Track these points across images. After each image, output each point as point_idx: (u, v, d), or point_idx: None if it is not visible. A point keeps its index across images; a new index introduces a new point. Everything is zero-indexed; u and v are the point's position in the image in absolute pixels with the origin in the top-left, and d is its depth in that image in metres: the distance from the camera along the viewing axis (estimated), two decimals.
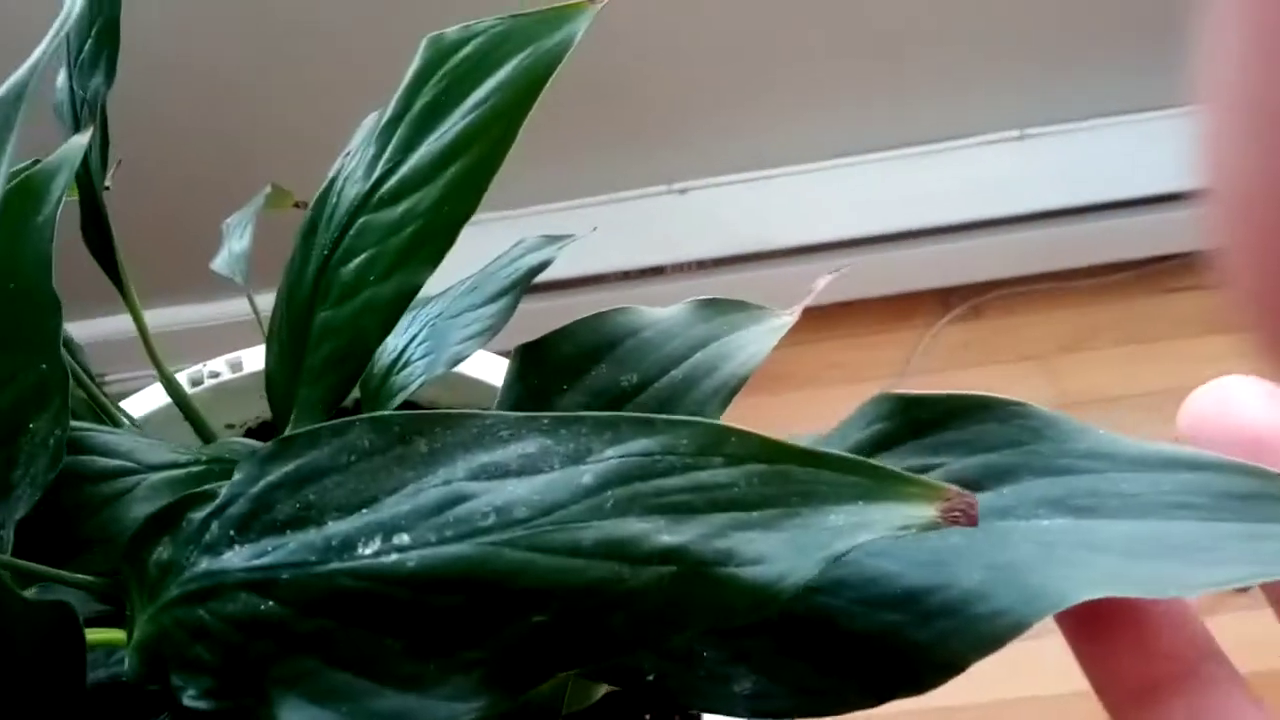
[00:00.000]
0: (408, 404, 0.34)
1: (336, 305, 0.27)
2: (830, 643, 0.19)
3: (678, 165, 1.09)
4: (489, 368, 0.42)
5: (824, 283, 0.24)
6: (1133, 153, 1.03)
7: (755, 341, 0.24)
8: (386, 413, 0.18)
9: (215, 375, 0.46)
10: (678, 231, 1.11)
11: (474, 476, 0.18)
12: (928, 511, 0.16)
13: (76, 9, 0.31)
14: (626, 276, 1.11)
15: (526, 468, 0.18)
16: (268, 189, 0.46)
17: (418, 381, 0.34)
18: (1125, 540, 0.17)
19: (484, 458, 0.18)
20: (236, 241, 0.44)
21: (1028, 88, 1.03)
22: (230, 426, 0.45)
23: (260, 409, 0.47)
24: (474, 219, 0.25)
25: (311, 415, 0.29)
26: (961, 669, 0.18)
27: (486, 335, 0.35)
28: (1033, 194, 1.06)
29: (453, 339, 0.35)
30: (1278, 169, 0.14)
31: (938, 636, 0.18)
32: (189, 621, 0.19)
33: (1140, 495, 0.18)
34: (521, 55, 0.25)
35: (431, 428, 0.18)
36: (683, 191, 1.12)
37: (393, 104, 0.26)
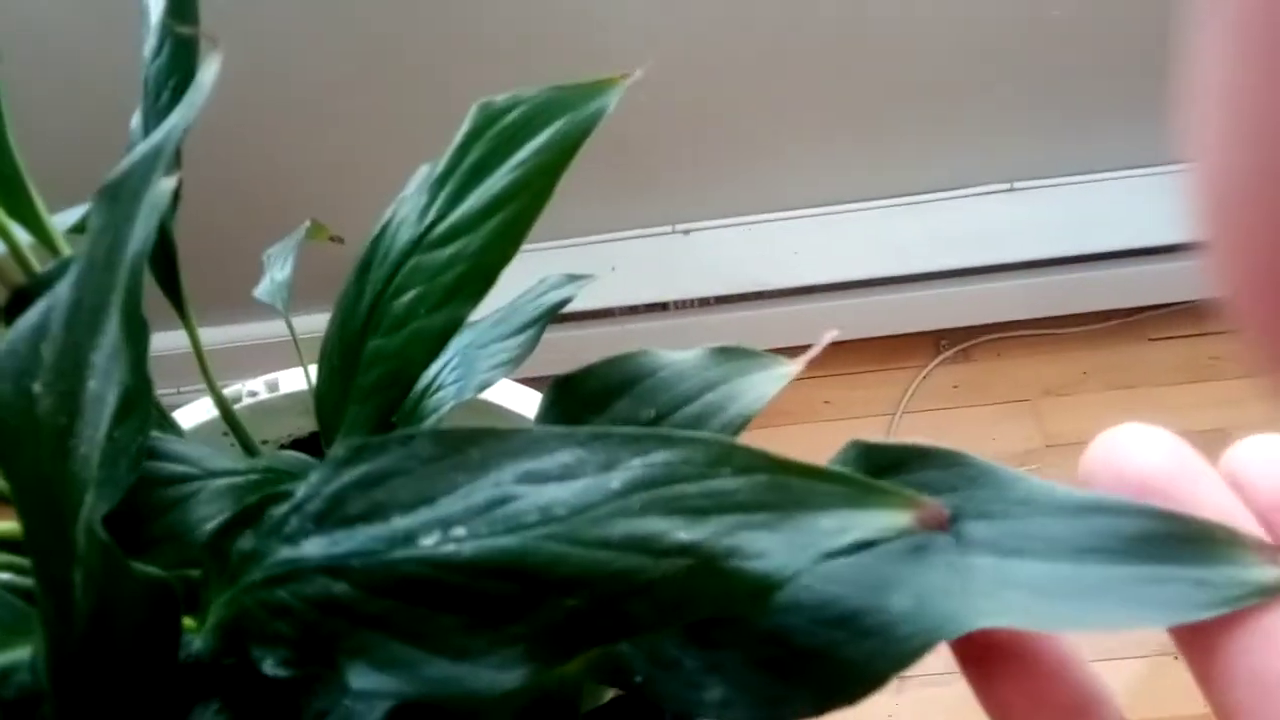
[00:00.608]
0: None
1: (387, 335, 0.30)
2: (788, 656, 0.22)
3: (682, 208, 1.13)
4: (511, 395, 0.46)
5: (829, 338, 0.28)
6: (1118, 207, 1.07)
7: (761, 386, 0.28)
8: (446, 427, 0.21)
9: (254, 394, 0.49)
10: (681, 270, 1.14)
11: (520, 481, 0.21)
12: (905, 518, 0.20)
13: (160, 60, 0.35)
14: (632, 311, 1.15)
15: (565, 474, 0.21)
16: (307, 223, 0.50)
17: (449, 405, 0.38)
18: (1039, 579, 0.20)
19: (528, 465, 0.21)
20: (278, 271, 0.47)
21: (1018, 143, 1.07)
22: (265, 442, 0.48)
23: (293, 427, 0.51)
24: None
25: (358, 431, 0.33)
26: (882, 684, 0.20)
27: (512, 365, 0.38)
28: (1021, 243, 1.10)
29: (481, 367, 0.38)
30: (1272, 172, 0.14)
31: (865, 654, 0.20)
32: (271, 601, 0.22)
33: (1059, 539, 0.20)
34: (560, 122, 0.29)
35: (484, 439, 0.22)
36: (686, 233, 1.16)
37: (445, 159, 0.30)
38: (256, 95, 0.91)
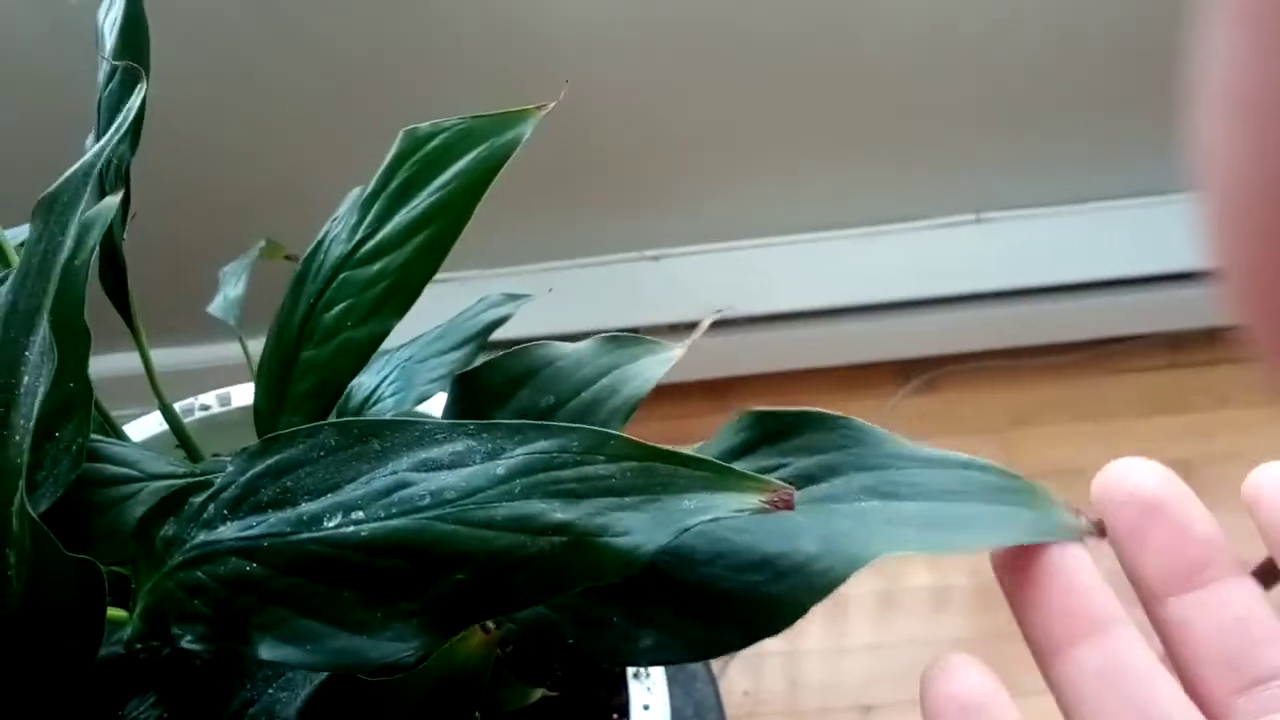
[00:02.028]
0: None
1: (318, 345, 0.32)
2: (712, 602, 0.24)
3: (651, 234, 1.16)
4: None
5: (708, 321, 0.30)
6: (1084, 239, 1.09)
7: (650, 369, 0.30)
8: (349, 418, 0.23)
9: (206, 408, 0.51)
10: (649, 296, 1.16)
11: (415, 468, 0.23)
12: (756, 499, 0.22)
13: (112, 86, 0.37)
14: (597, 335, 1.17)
15: (455, 462, 0.23)
16: (262, 242, 0.52)
17: (387, 416, 0.39)
18: (919, 516, 0.23)
19: (423, 454, 0.23)
20: (232, 288, 0.49)
21: (984, 174, 1.10)
22: (216, 455, 0.50)
23: (246, 440, 0.52)
24: (462, 275, 0.30)
25: None
26: (804, 612, 0.23)
27: (449, 379, 0.40)
28: (988, 274, 1.12)
29: (419, 381, 0.40)
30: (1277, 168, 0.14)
31: (788, 590, 0.23)
32: (189, 582, 0.24)
33: (930, 485, 0.24)
34: (480, 148, 0.31)
35: (383, 430, 0.24)
36: (655, 259, 1.18)
37: (373, 181, 0.32)
38: (216, 113, 0.93)
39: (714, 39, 0.94)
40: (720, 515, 0.21)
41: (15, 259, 0.33)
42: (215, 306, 0.48)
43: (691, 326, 1.12)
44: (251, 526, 0.24)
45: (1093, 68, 0.97)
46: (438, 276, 0.31)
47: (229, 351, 0.99)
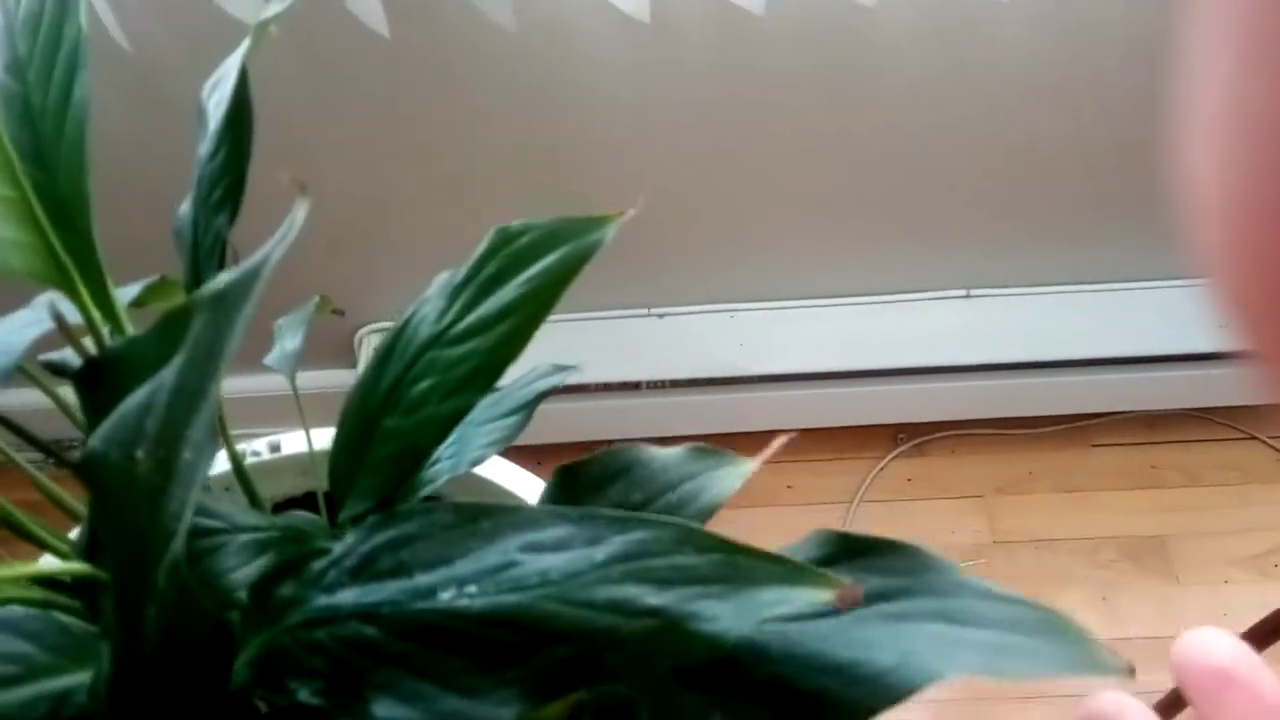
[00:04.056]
0: (430, 496, 0.42)
1: (403, 416, 0.35)
2: (783, 696, 0.27)
3: (658, 292, 1.20)
4: (499, 470, 0.50)
5: (783, 441, 0.33)
6: (1068, 319, 1.14)
7: (726, 480, 0.33)
8: (462, 500, 0.26)
9: (257, 454, 0.54)
10: (654, 352, 1.20)
11: (523, 549, 0.26)
12: (827, 594, 0.25)
13: (215, 162, 0.40)
14: (606, 389, 1.20)
15: (558, 545, 0.26)
16: (316, 299, 0.55)
17: (444, 479, 0.42)
18: (982, 643, 0.27)
19: (530, 536, 0.26)
20: (289, 341, 0.52)
21: (976, 253, 1.14)
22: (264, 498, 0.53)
23: (290, 486, 0.55)
24: None
25: (368, 497, 0.37)
26: (873, 715, 0.26)
27: (502, 443, 0.43)
28: (976, 347, 1.16)
29: (475, 445, 0.43)
30: (1270, 183, 0.14)
31: (860, 694, 0.26)
32: (308, 640, 0.27)
33: (990, 616, 0.27)
34: (565, 248, 0.34)
35: (494, 513, 0.27)
36: (661, 316, 1.22)
37: (464, 270, 0.35)
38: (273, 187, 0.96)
39: (726, 122, 0.98)
40: (796, 608, 0.25)
41: (125, 320, 0.36)
42: (272, 359, 0.51)
43: (693, 383, 1.15)
44: (370, 594, 0.27)
45: (1081, 162, 1.02)
46: None
47: (252, 384, 1.01)
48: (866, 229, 1.12)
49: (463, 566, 0.26)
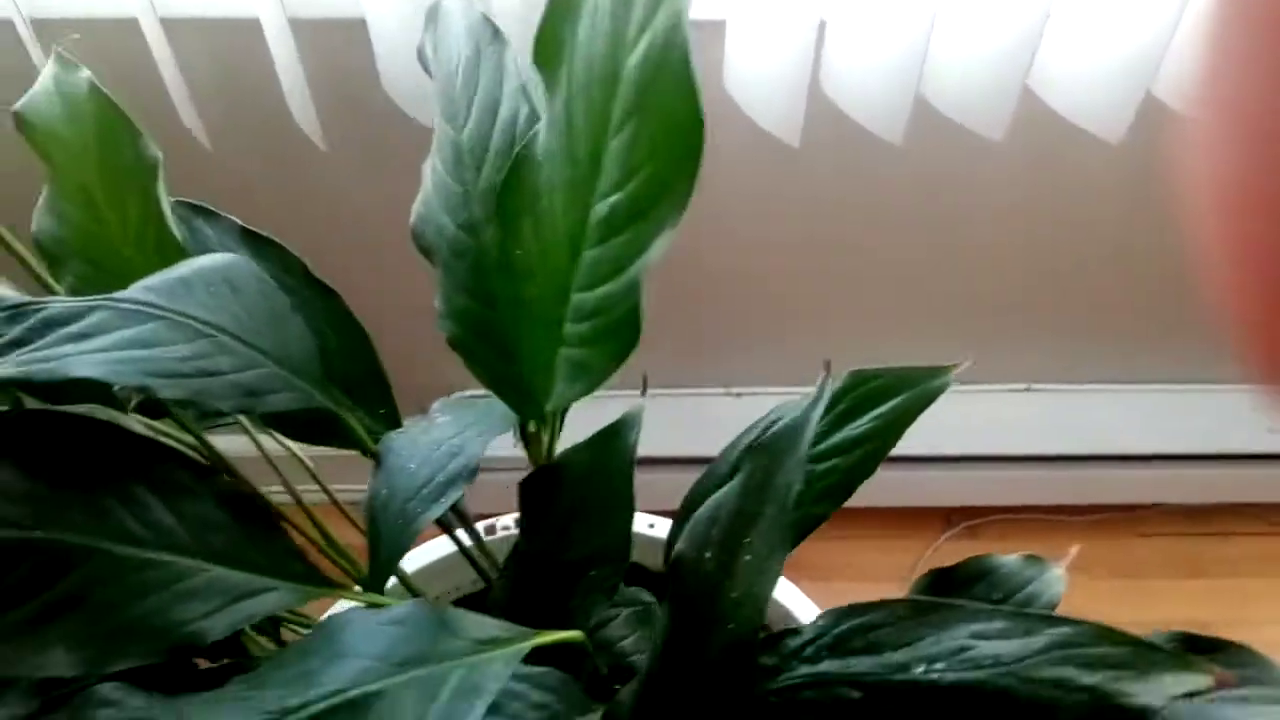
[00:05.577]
0: None
1: None
2: None
3: (735, 372, 1.29)
4: None
5: (1074, 551, 0.42)
6: (1120, 414, 1.24)
7: (1058, 584, 0.42)
8: (915, 597, 0.35)
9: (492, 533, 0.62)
10: (729, 430, 1.28)
11: (972, 636, 0.34)
12: (1208, 680, 0.33)
13: None
14: (677, 462, 1.28)
15: (1001, 634, 0.34)
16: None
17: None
18: None
19: (975, 627, 0.35)
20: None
21: (1039, 350, 1.25)
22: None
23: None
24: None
25: None
26: None
27: None
28: (1032, 438, 1.26)
29: None
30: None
31: None
32: (796, 700, 0.35)
33: None
34: (912, 391, 0.43)
35: (942, 608, 0.35)
36: (738, 395, 1.31)
37: (819, 405, 0.44)
38: None
39: (814, 219, 1.08)
40: (1190, 689, 0.33)
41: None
42: None
43: None
44: (851, 665, 0.35)
45: (1139, 270, 1.14)
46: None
47: None
48: (934, 324, 1.23)
49: (926, 648, 0.34)
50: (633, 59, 0.31)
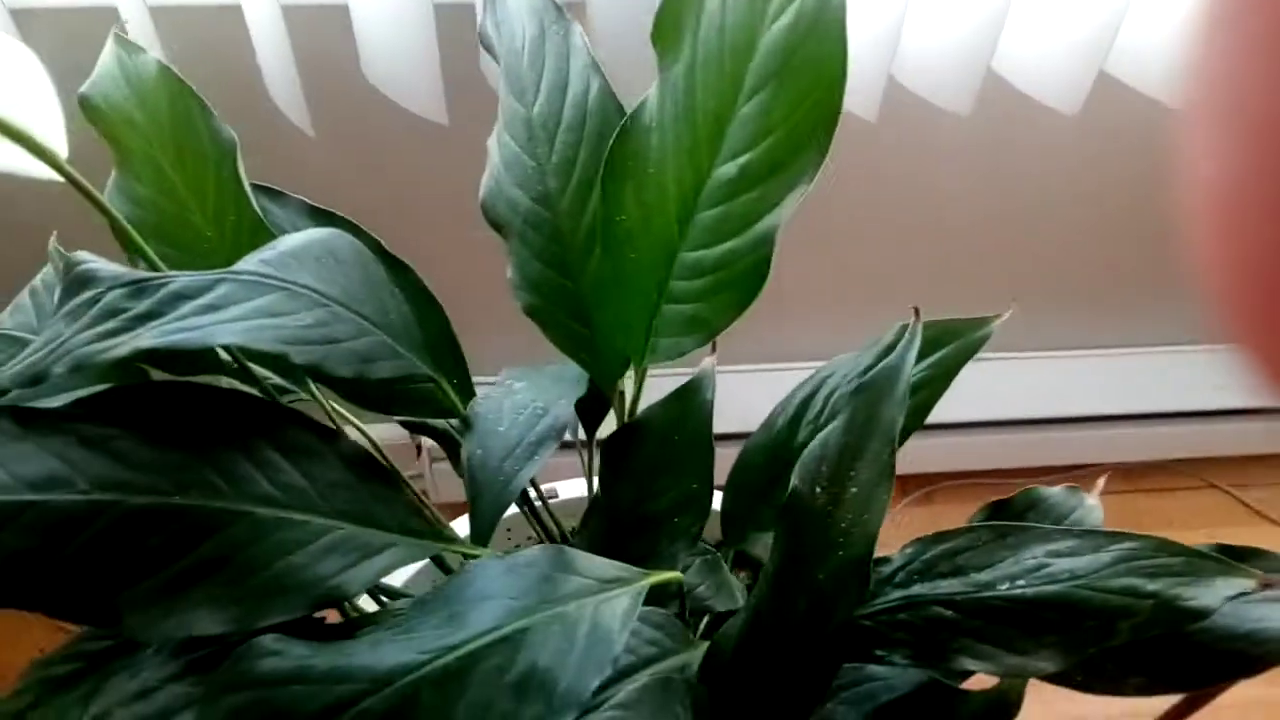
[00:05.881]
0: None
1: None
2: (1196, 654, 0.39)
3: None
4: None
5: (1103, 480, 0.46)
6: (1065, 381, 1.32)
7: (1093, 512, 0.46)
8: (993, 522, 0.38)
9: (554, 496, 0.64)
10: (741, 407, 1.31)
11: (1048, 555, 0.38)
12: (1254, 582, 0.38)
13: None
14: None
15: (1075, 551, 0.38)
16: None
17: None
18: None
19: (1049, 546, 0.38)
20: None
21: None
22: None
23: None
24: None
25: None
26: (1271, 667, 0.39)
27: None
28: (979, 405, 1.33)
29: None
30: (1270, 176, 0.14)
31: (1264, 651, 0.39)
32: (891, 621, 0.38)
33: None
34: (959, 341, 0.47)
35: (1016, 530, 0.39)
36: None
37: (870, 356, 0.48)
38: None
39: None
40: (1240, 590, 0.37)
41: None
42: None
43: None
44: (939, 586, 0.38)
45: (1074, 239, 1.20)
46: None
47: None
48: (883, 295, 1.28)
49: (1007, 568, 0.38)
50: (778, 25, 0.33)
